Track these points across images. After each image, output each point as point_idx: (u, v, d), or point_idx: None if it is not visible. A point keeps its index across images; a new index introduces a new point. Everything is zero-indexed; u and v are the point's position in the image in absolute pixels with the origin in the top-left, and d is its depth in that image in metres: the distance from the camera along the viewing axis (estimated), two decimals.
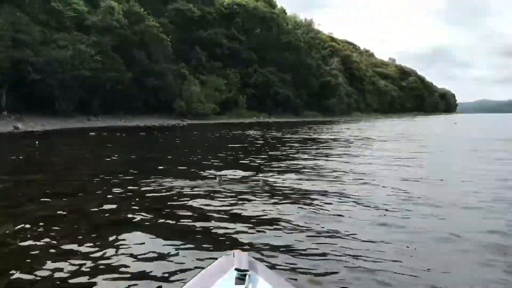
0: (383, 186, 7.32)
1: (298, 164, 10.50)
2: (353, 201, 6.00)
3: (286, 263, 3.64)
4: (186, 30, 56.44)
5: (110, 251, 3.92)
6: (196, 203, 5.86)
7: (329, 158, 12.07)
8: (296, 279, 3.29)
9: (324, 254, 3.88)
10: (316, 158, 12.09)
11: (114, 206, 5.76)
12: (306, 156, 12.61)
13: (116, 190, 6.89)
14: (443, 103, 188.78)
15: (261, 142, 19.56)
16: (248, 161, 11.43)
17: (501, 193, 6.62)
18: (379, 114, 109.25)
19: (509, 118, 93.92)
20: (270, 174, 8.69)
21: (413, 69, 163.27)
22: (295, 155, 12.96)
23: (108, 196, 6.49)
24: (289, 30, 75.81)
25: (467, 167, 10.06)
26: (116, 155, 13.02)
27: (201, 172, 8.83)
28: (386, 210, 5.47)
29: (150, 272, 3.48)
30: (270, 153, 13.98)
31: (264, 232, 4.57)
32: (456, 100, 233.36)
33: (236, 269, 1.71)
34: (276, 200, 6.09)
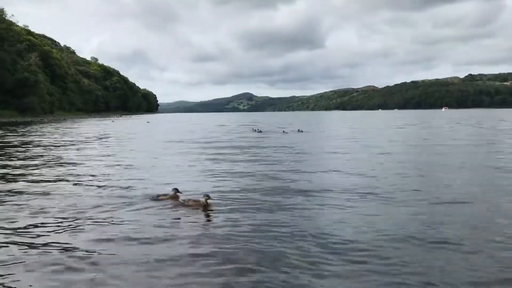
0: None
1: None
2: None
3: None
4: None
5: None
6: None
7: None
8: None
9: None
10: None
11: None
12: None
13: None
14: (146, 103, 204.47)
15: None
16: None
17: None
18: (83, 113, 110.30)
19: (196, 117, 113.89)
20: None
21: (116, 69, 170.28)
22: None
23: None
24: None
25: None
26: None
27: None
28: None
29: None
30: None
31: None
32: (157, 101, 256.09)
33: None
34: None
